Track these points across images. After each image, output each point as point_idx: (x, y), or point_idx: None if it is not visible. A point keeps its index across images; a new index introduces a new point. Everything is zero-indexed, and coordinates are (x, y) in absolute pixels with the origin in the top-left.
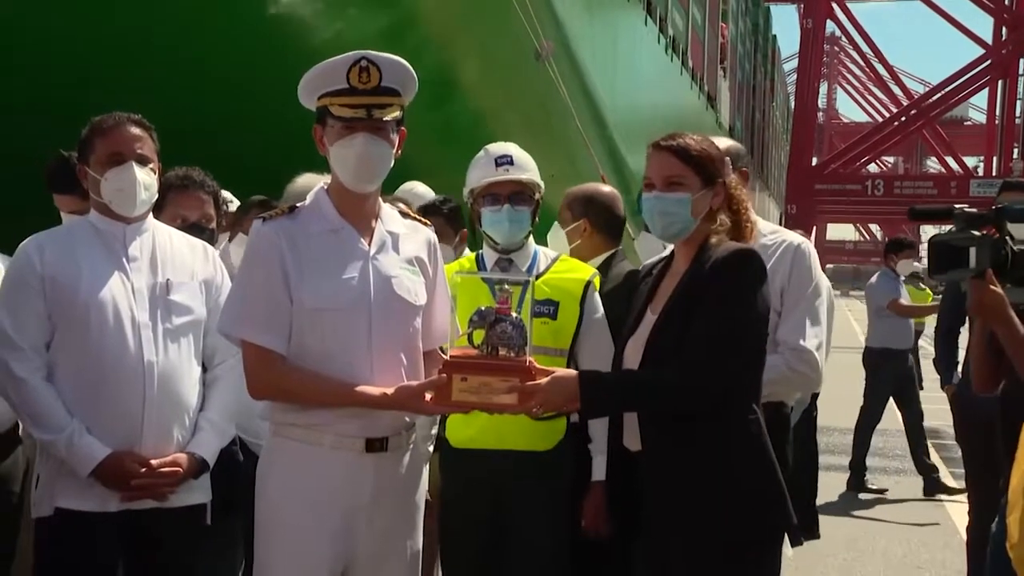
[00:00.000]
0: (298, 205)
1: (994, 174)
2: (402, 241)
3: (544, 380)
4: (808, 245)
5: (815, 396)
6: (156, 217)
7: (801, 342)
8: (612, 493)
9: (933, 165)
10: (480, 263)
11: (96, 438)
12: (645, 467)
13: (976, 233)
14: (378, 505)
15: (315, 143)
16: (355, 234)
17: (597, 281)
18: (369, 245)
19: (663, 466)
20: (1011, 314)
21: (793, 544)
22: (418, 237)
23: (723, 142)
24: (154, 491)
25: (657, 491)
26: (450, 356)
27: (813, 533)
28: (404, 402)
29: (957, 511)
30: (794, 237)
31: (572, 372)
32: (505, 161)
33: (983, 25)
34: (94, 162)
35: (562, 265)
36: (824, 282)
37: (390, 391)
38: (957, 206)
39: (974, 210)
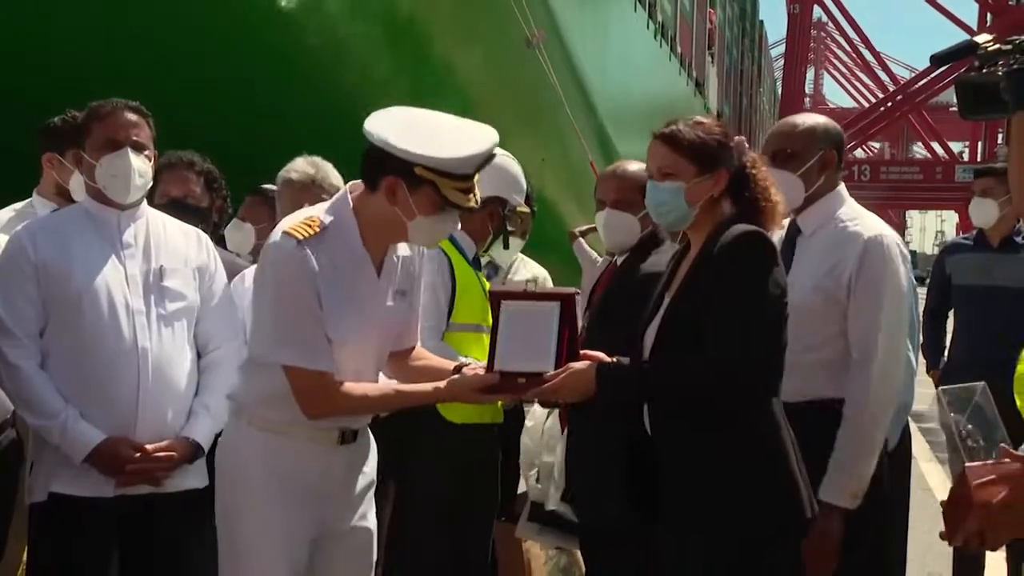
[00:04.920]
0: (325, 222)
1: (979, 159)
2: (401, 264)
3: (562, 375)
4: (885, 239)
5: None
6: (147, 197)
7: (873, 355)
8: (631, 476)
9: (919, 150)
10: (456, 245)
11: (91, 424)
12: (657, 454)
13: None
14: (346, 487)
15: (385, 193)
16: (371, 266)
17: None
18: (379, 275)
19: (673, 455)
20: None
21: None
22: (412, 249)
23: (811, 119)
24: (149, 476)
25: (668, 480)
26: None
27: None
28: (458, 394)
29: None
30: (869, 228)
31: (589, 364)
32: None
33: (968, 11)
34: (90, 147)
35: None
36: (902, 281)
37: (442, 385)
38: (980, 41)
39: (998, 45)
